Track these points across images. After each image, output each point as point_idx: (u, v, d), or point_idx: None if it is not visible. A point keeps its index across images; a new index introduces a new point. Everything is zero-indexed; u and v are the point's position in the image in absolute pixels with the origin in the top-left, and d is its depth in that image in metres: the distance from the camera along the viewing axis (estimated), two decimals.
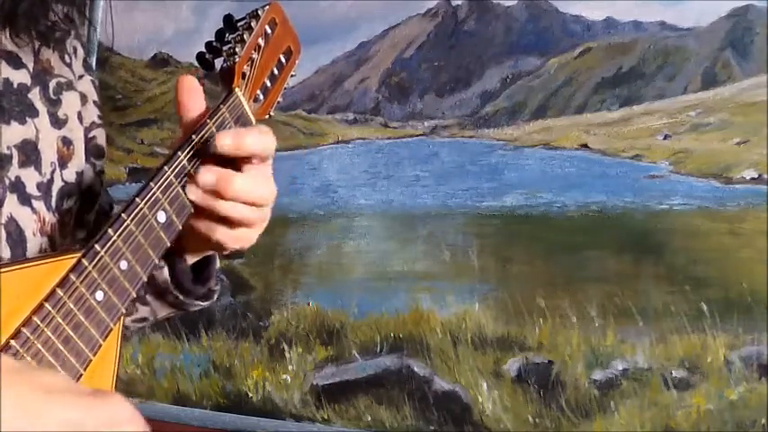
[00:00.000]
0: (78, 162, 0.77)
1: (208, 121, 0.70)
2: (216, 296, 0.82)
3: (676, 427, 1.33)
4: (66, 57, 0.79)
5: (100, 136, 0.83)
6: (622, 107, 1.46)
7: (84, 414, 0.49)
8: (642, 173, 1.43)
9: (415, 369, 1.53)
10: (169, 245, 0.67)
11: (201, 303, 0.80)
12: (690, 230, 1.37)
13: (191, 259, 0.78)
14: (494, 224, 1.52)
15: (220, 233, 0.71)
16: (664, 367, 1.36)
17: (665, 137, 1.42)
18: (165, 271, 0.76)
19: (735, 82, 1.38)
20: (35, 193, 0.71)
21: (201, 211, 0.70)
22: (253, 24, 0.78)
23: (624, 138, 1.45)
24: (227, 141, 0.67)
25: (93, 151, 0.81)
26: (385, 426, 1.53)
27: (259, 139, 0.70)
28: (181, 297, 0.77)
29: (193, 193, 0.68)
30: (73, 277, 0.59)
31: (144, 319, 0.82)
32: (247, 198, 0.69)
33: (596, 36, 1.49)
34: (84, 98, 0.81)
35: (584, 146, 1.48)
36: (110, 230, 0.62)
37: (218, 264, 0.82)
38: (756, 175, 1.34)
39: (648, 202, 1.41)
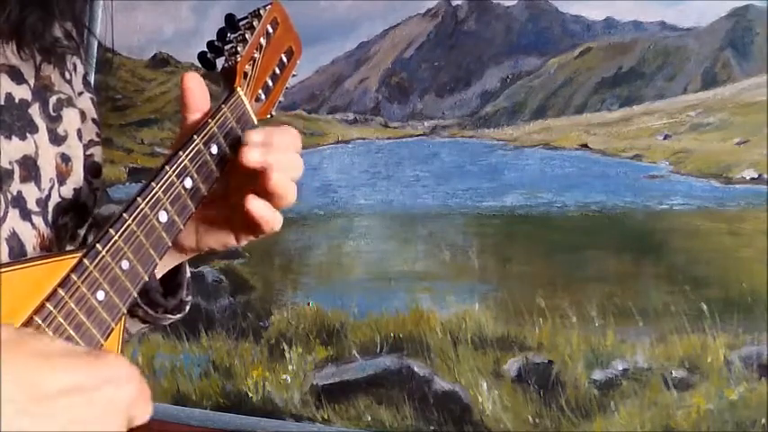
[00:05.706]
0: (76, 179, 0.77)
1: (209, 120, 0.70)
2: (188, 308, 0.81)
3: (676, 427, 1.33)
4: (67, 73, 0.79)
5: (97, 154, 0.82)
6: (622, 107, 1.46)
7: (83, 375, 0.50)
8: (642, 173, 1.43)
9: (415, 369, 1.53)
10: (170, 245, 0.67)
11: (172, 317, 0.79)
12: (690, 230, 1.37)
13: (166, 265, 0.78)
14: (494, 224, 1.52)
15: (260, 209, 0.73)
16: (664, 367, 1.35)
17: (665, 137, 1.42)
18: None
19: (735, 82, 1.38)
20: (35, 208, 0.71)
21: (244, 184, 0.71)
22: (255, 24, 0.78)
23: (624, 138, 1.45)
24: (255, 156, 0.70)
25: (90, 169, 0.80)
26: (385, 426, 1.53)
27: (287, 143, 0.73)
28: (150, 312, 0.76)
29: (249, 156, 0.69)
30: (74, 277, 0.58)
31: None
32: (290, 151, 0.72)
33: (596, 36, 1.49)
34: (83, 115, 0.80)
35: (585, 146, 1.48)
36: (111, 230, 0.62)
37: (188, 274, 0.81)
38: (756, 175, 1.34)
39: (648, 202, 1.41)
